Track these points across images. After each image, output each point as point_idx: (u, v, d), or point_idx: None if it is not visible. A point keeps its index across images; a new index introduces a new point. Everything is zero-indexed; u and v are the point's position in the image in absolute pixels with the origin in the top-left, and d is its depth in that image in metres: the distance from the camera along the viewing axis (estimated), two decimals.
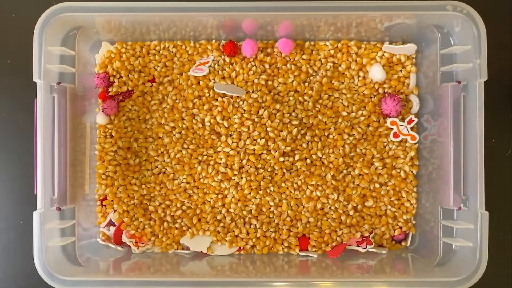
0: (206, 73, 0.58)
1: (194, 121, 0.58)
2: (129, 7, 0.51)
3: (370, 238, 0.58)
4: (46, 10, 0.50)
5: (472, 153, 0.50)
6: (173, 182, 0.58)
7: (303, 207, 0.58)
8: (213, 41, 0.58)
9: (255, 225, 0.58)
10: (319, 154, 0.57)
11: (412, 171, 0.58)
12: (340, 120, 0.58)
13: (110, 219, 0.58)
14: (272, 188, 0.58)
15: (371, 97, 0.58)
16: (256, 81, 0.58)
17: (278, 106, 0.57)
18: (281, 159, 0.57)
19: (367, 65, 0.58)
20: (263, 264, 0.56)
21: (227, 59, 0.58)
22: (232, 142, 0.57)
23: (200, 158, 0.58)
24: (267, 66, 0.58)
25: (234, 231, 0.58)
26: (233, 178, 0.57)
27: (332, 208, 0.58)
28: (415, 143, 0.58)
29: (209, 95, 0.58)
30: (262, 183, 0.57)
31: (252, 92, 0.58)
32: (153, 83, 0.59)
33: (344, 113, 0.58)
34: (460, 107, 0.51)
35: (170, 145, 0.58)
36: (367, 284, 0.50)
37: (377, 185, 0.58)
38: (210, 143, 0.58)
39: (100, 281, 0.50)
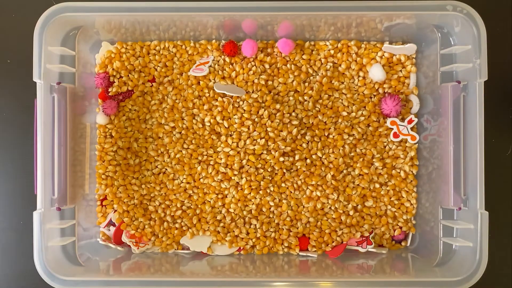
0: (206, 73, 0.58)
1: (194, 121, 0.58)
2: (129, 7, 0.51)
3: (370, 238, 0.58)
4: (46, 10, 0.50)
5: (472, 153, 0.50)
6: (173, 182, 0.58)
7: (303, 207, 0.58)
8: (213, 41, 0.58)
9: (255, 225, 0.58)
10: (319, 154, 0.57)
11: (412, 171, 0.58)
12: (340, 120, 0.58)
13: (110, 219, 0.58)
14: (272, 188, 0.58)
15: (371, 97, 0.58)
16: (256, 81, 0.58)
17: (278, 106, 0.57)
18: (281, 159, 0.57)
19: (367, 65, 0.58)
20: (263, 264, 0.56)
21: (227, 59, 0.58)
22: (232, 142, 0.57)
23: (200, 158, 0.58)
24: (267, 66, 0.58)
25: (234, 231, 0.58)
26: (233, 178, 0.57)
27: (332, 208, 0.58)
28: (415, 143, 0.58)
29: (209, 95, 0.58)
30: (262, 183, 0.57)
31: (252, 92, 0.58)
32: (153, 83, 0.59)
33: (344, 113, 0.58)
34: (460, 107, 0.51)
35: (170, 145, 0.58)
36: (367, 284, 0.50)
37: (377, 185, 0.58)
38: (210, 143, 0.58)
39: (100, 281, 0.50)
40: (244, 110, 0.57)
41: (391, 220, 0.58)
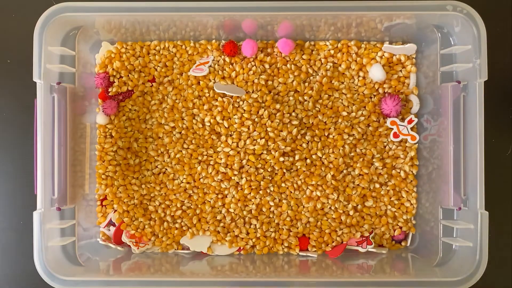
0: (206, 73, 0.58)
1: (194, 121, 0.58)
2: (129, 7, 0.51)
3: (370, 238, 0.58)
4: (46, 10, 0.50)
5: (472, 153, 0.50)
6: (173, 182, 0.58)
7: (303, 207, 0.58)
8: (213, 41, 0.58)
9: (255, 225, 0.58)
10: (319, 154, 0.57)
11: (412, 171, 0.58)
12: (340, 120, 0.58)
13: (110, 219, 0.58)
14: (272, 188, 0.58)
15: (371, 97, 0.58)
16: (256, 81, 0.58)
17: (278, 106, 0.57)
18: (281, 159, 0.57)
19: (367, 65, 0.58)
20: (263, 264, 0.56)
21: (227, 59, 0.58)
22: (232, 142, 0.57)
23: (200, 158, 0.58)
24: (267, 66, 0.58)
25: (234, 231, 0.58)
26: (233, 178, 0.57)
27: (332, 208, 0.58)
28: (415, 143, 0.58)
29: (209, 95, 0.58)
30: (262, 183, 0.57)
31: (252, 92, 0.58)
32: (153, 83, 0.59)
33: (344, 113, 0.58)
34: (460, 107, 0.51)
35: (170, 145, 0.58)
36: (367, 284, 0.50)
37: (377, 185, 0.58)
38: (210, 143, 0.58)
39: (100, 281, 0.50)
40: (244, 110, 0.57)
41: (391, 220, 0.58)
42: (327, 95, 0.58)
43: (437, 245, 0.54)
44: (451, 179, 0.52)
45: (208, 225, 0.58)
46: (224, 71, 0.58)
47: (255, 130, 0.57)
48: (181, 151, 0.58)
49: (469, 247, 0.50)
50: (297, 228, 0.58)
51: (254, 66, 0.58)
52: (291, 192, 0.58)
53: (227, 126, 0.57)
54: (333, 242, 0.58)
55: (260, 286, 0.50)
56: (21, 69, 0.58)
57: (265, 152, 0.57)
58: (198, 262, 0.57)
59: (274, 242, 0.58)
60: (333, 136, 0.58)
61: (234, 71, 0.58)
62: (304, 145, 0.57)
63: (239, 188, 0.58)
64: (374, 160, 0.58)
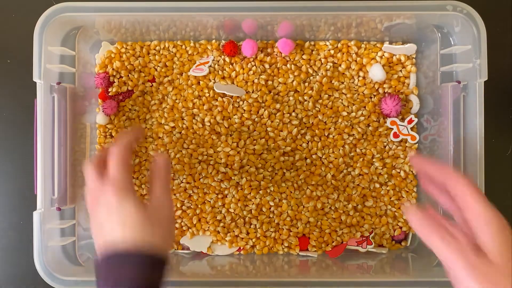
0: (206, 73, 0.58)
1: (194, 121, 0.58)
2: (129, 7, 0.51)
3: (370, 238, 0.58)
4: (46, 10, 0.50)
5: (472, 153, 0.50)
6: (173, 182, 0.58)
7: (303, 207, 0.58)
8: (213, 41, 0.58)
9: (255, 225, 0.58)
10: (319, 154, 0.57)
11: (412, 171, 0.58)
12: (340, 120, 0.58)
13: None
14: (272, 188, 0.58)
15: (371, 97, 0.58)
16: (256, 81, 0.58)
17: (278, 106, 0.57)
18: (281, 158, 0.57)
19: (367, 65, 0.58)
20: (263, 264, 0.55)
21: (227, 59, 0.58)
22: (232, 142, 0.57)
23: (200, 158, 0.58)
24: (267, 66, 0.58)
25: (234, 231, 0.58)
26: (233, 178, 0.57)
27: (332, 208, 0.58)
28: (415, 143, 0.58)
29: (209, 95, 0.58)
30: (262, 183, 0.57)
31: (252, 92, 0.58)
32: (153, 83, 0.59)
33: (344, 113, 0.58)
34: (460, 107, 0.51)
35: (170, 145, 0.58)
36: (367, 284, 0.50)
37: (377, 185, 0.58)
38: (210, 143, 0.58)
39: None
40: (244, 110, 0.57)
41: (391, 220, 0.58)
42: (327, 95, 0.58)
43: None
44: None
45: (208, 225, 0.58)
46: (224, 71, 0.58)
47: (255, 130, 0.57)
48: (181, 151, 0.58)
49: None
50: (297, 228, 0.58)
51: (254, 66, 0.58)
52: (291, 192, 0.58)
53: (227, 126, 0.57)
54: (333, 242, 0.58)
55: (260, 286, 0.50)
56: (21, 69, 0.58)
57: (265, 151, 0.57)
58: (198, 262, 0.56)
59: (274, 242, 0.58)
60: (333, 136, 0.58)
61: (234, 71, 0.58)
62: (304, 145, 0.57)
63: (239, 188, 0.58)
64: (374, 160, 0.58)
